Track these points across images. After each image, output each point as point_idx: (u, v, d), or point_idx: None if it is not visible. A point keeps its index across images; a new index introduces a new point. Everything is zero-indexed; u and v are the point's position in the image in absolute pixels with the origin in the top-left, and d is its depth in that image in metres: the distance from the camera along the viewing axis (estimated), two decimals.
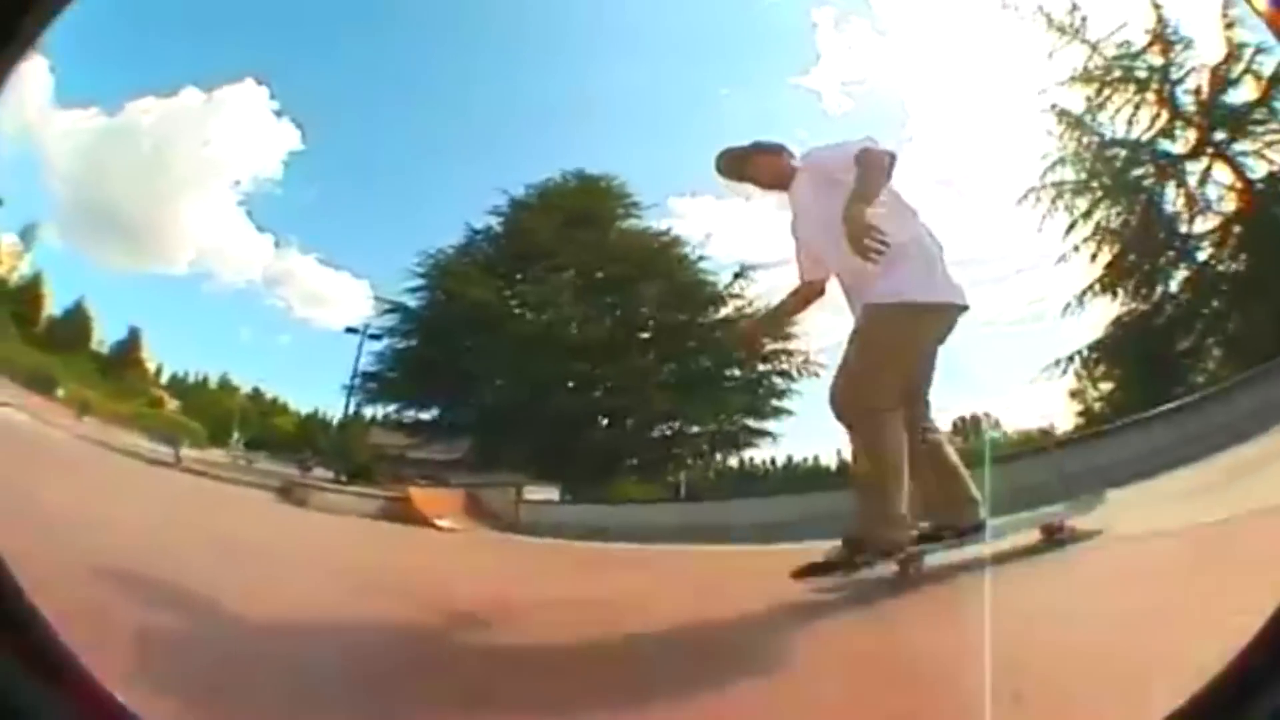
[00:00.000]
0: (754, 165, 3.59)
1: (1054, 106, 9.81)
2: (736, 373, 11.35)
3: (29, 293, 10.73)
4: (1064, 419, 9.59)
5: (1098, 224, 9.74)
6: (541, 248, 11.73)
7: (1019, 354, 10.16)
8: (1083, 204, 9.79)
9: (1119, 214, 9.75)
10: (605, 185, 12.15)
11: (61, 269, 10.87)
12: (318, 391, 12.82)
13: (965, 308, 2.99)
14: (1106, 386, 9.75)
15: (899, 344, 2.99)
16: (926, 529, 3.00)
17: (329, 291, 12.15)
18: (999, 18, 10.17)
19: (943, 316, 3.01)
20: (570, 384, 11.36)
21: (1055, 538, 3.05)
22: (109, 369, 11.34)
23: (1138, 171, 9.75)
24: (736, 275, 11.43)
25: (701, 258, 11.80)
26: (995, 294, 10.27)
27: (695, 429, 11.57)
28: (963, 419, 10.00)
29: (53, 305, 10.90)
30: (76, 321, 11.11)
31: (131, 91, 10.55)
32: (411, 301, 12.06)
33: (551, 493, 9.96)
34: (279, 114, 11.37)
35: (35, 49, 1.34)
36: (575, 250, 11.82)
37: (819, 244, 3.35)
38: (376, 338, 11.72)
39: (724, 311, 11.37)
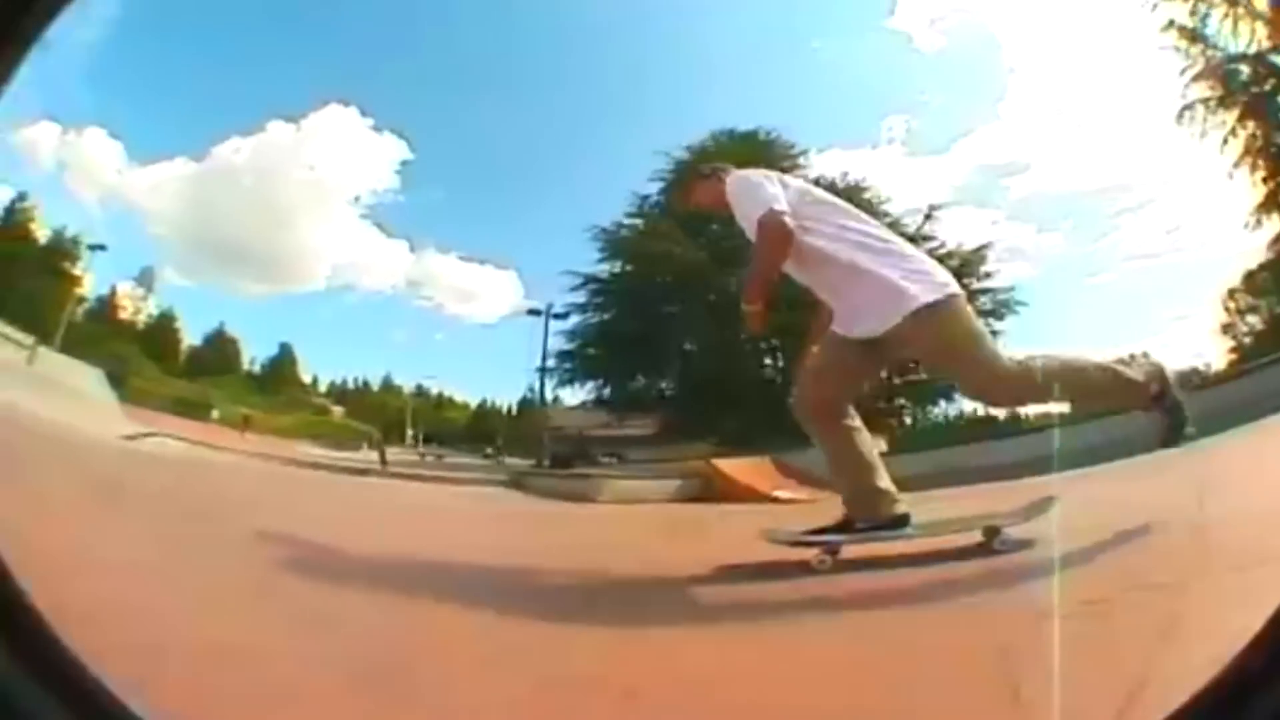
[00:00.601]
0: (695, 192, 3.59)
1: (1171, 23, 9.00)
2: None
3: (161, 331, 11.63)
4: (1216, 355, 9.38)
5: (1248, 139, 9.03)
6: None
7: (1165, 287, 10.04)
8: (1229, 119, 9.01)
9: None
10: (766, 138, 12.24)
11: (191, 305, 11.90)
12: (483, 382, 13.59)
13: (924, 306, 2.80)
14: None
15: (849, 367, 3.09)
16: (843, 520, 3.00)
17: (475, 286, 13.24)
18: None
19: (873, 344, 2.96)
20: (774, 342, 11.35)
21: (992, 544, 2.83)
22: (265, 386, 12.31)
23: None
24: (926, 216, 11.70)
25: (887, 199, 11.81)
26: (1131, 224, 10.88)
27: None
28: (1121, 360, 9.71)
29: (189, 338, 11.99)
30: (221, 347, 12.17)
31: (214, 137, 11.68)
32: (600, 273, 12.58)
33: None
34: (377, 129, 12.32)
35: (41, 44, 1.29)
36: None
37: None
38: (561, 317, 12.08)
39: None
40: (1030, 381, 2.82)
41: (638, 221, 12.57)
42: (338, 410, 12.86)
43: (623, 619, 2.29)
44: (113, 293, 11.50)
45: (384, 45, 12.42)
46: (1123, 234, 11.38)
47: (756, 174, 3.23)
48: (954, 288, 2.90)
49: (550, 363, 12.21)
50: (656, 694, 1.61)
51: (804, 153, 12.26)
